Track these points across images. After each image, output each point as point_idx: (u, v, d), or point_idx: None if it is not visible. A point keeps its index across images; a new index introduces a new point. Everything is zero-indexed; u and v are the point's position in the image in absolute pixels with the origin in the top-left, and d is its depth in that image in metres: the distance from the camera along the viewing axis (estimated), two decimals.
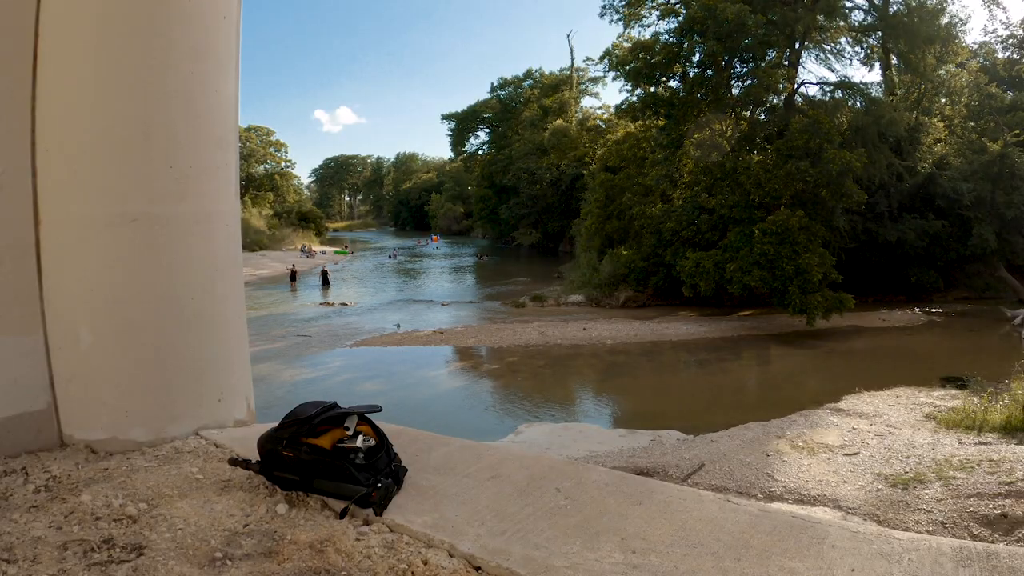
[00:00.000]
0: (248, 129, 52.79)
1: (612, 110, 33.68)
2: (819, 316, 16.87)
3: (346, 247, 50.96)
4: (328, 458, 1.86)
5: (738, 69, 21.14)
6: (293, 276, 28.63)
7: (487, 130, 56.26)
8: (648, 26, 22.66)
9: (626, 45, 22.70)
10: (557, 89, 48.03)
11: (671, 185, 22.55)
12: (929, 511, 5.19)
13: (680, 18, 20.79)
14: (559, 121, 42.05)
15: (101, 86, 2.28)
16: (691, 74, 21.20)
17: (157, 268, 2.38)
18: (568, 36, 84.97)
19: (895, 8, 21.16)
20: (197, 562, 1.58)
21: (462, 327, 18.72)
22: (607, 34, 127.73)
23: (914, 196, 21.86)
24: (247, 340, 2.79)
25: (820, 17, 20.10)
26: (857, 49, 22.38)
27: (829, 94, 21.57)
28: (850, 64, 65.15)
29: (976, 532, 4.76)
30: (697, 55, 20.76)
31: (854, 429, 8.05)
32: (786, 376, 13.88)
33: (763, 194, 18.39)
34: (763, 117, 21.34)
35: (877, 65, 23.27)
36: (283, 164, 57.35)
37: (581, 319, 19.35)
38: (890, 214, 21.30)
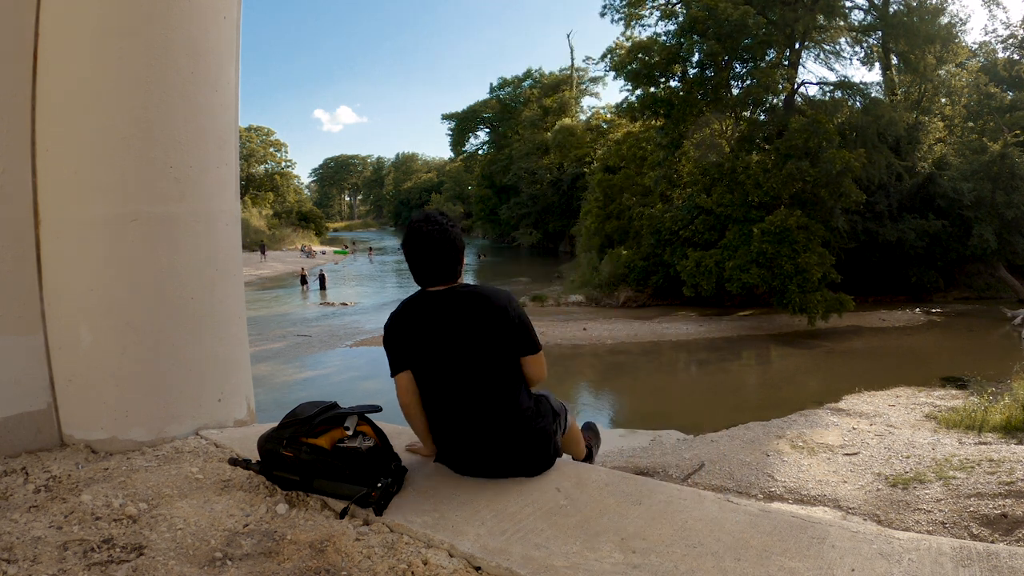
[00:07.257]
0: (248, 129, 52.73)
1: (613, 110, 33.65)
2: (819, 316, 16.86)
3: (346, 247, 50.99)
4: (328, 458, 1.86)
5: (738, 69, 21.15)
6: (303, 280, 28.71)
7: (487, 130, 56.25)
8: (648, 26, 22.72)
9: (627, 45, 22.71)
10: (557, 89, 47.98)
11: (670, 185, 22.56)
12: (929, 511, 5.18)
13: (680, 19, 20.82)
14: (566, 119, 41.87)
15: (101, 86, 2.28)
16: (691, 74, 21.20)
17: (157, 268, 2.38)
18: (568, 36, 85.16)
19: (895, 8, 21.19)
20: (197, 562, 1.57)
21: None
22: (608, 33, 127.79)
23: (914, 196, 21.85)
24: (247, 340, 2.78)
25: (820, 17, 20.13)
26: (857, 49, 22.44)
27: (829, 94, 21.60)
28: (850, 64, 65.47)
29: (976, 532, 4.75)
30: (696, 55, 20.77)
31: (854, 429, 8.04)
32: (786, 376, 13.87)
33: (762, 194, 18.38)
34: (763, 117, 21.33)
35: (877, 65, 23.30)
36: (283, 164, 57.33)
37: (581, 319, 19.29)
38: (890, 214, 21.29)
